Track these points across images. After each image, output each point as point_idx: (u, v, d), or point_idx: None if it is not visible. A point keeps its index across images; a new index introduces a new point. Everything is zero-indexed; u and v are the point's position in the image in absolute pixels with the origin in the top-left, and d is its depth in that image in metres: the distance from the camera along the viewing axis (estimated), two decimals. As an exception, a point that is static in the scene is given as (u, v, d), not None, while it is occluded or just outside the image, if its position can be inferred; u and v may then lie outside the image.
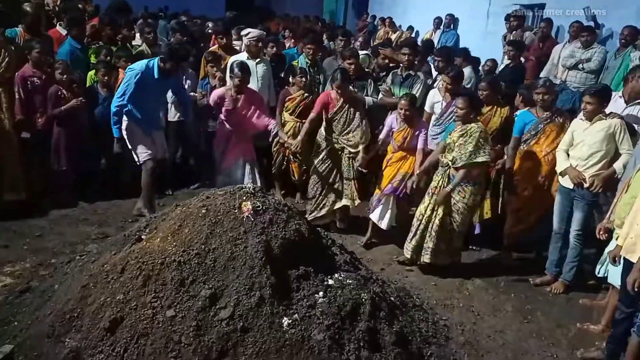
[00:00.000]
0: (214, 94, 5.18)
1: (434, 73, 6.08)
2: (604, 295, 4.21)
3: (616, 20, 6.83)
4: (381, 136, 5.16)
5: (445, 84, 5.06)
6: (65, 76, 5.24)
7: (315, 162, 5.24)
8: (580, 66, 6.57)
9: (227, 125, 5.16)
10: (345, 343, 3.02)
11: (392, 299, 3.66)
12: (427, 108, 5.36)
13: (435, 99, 5.28)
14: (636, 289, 3.12)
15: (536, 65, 7.35)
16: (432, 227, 4.48)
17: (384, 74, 5.82)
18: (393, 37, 11.12)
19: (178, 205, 3.57)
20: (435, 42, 9.64)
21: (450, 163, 4.40)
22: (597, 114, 4.10)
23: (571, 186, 4.24)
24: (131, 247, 3.40)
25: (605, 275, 3.90)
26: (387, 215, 4.99)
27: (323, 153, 5.20)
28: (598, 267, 3.99)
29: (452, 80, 5.01)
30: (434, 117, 5.27)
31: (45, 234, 4.70)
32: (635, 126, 4.19)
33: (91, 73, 5.73)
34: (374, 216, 5.06)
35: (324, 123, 5.19)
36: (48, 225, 4.88)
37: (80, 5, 8.13)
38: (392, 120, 5.03)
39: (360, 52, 6.56)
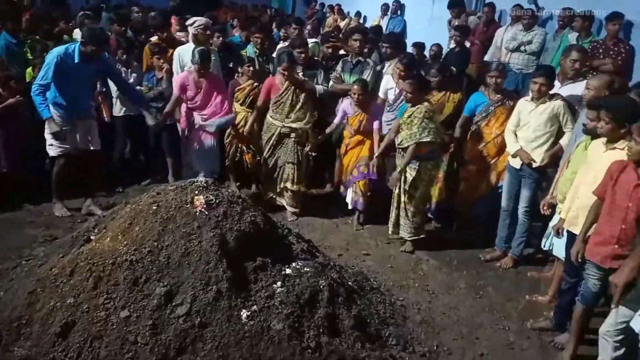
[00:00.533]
0: (177, 80, 5.18)
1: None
2: (551, 267, 4.41)
3: (554, 3, 7.06)
4: (335, 121, 5.24)
5: (399, 71, 5.12)
6: (0, 73, 4.98)
7: (264, 146, 5.31)
8: (522, 48, 6.78)
9: (191, 111, 5.19)
10: (305, 330, 3.05)
11: (349, 283, 3.71)
12: (380, 94, 5.43)
13: (389, 85, 5.37)
14: (579, 260, 3.28)
15: (481, 49, 7.53)
16: (403, 206, 4.69)
17: (333, 62, 5.82)
18: (342, 24, 11.14)
19: (128, 203, 3.49)
20: (383, 28, 9.72)
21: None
22: (546, 94, 4.25)
23: (519, 166, 4.39)
24: (80, 249, 3.31)
25: (551, 248, 4.08)
26: (359, 200, 5.21)
27: (272, 138, 5.24)
28: (543, 240, 4.18)
29: (405, 67, 5.08)
30: (387, 104, 5.34)
31: (-12, 240, 4.49)
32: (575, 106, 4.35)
33: (29, 70, 5.48)
34: (348, 199, 5.29)
35: (270, 109, 5.23)
36: (-10, 230, 4.67)
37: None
38: (346, 105, 5.13)
39: (310, 41, 6.55)
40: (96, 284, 3.00)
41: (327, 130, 5.33)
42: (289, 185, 5.29)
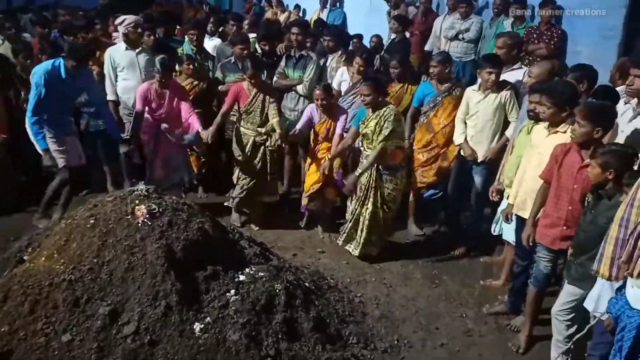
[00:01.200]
0: (139, 93, 4.79)
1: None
2: (501, 252, 4.49)
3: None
4: (298, 126, 4.90)
5: (358, 66, 5.08)
6: None
7: (240, 158, 4.96)
8: (460, 36, 6.88)
9: (156, 122, 4.85)
10: (263, 338, 2.95)
11: (306, 284, 3.63)
12: (334, 85, 5.36)
13: (343, 78, 5.34)
14: (530, 244, 3.33)
15: (421, 39, 7.60)
16: (362, 221, 4.44)
17: (274, 59, 5.68)
18: (282, 18, 10.98)
19: (63, 218, 3.25)
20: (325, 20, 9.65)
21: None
22: (497, 81, 4.27)
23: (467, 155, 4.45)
24: (13, 271, 3.07)
25: (500, 233, 4.15)
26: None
27: (247, 149, 4.91)
28: (493, 226, 4.24)
29: (365, 62, 5.09)
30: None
31: None
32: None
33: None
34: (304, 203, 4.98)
35: (242, 118, 4.93)
36: None
37: None
38: (312, 110, 4.83)
39: (250, 36, 6.37)
40: (33, 308, 2.80)
41: (290, 135, 4.89)
42: (266, 198, 5.06)
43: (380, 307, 3.86)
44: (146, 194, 3.21)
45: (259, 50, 5.97)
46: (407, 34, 7.33)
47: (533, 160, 3.45)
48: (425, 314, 3.83)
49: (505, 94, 4.28)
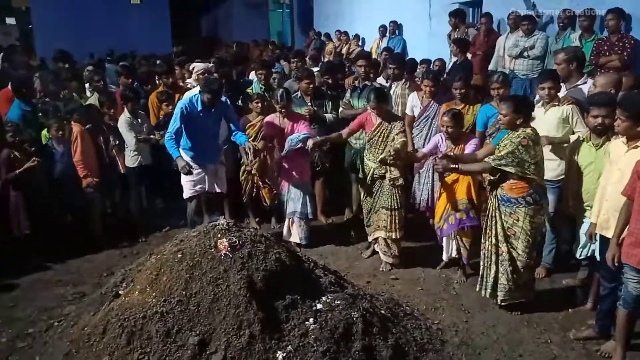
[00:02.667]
0: (266, 123, 5.26)
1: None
2: (584, 273, 4.29)
3: (553, 5, 7.06)
4: (424, 150, 4.74)
5: (429, 88, 5.25)
6: (16, 138, 5.10)
7: (364, 189, 4.96)
8: (525, 54, 6.77)
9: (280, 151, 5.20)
10: (344, 366, 2.98)
11: (382, 312, 3.64)
12: (407, 111, 5.55)
13: (414, 103, 5.49)
14: (616, 264, 3.19)
15: (484, 59, 7.53)
16: (485, 257, 4.04)
17: (339, 90, 5.86)
18: (344, 50, 11.26)
19: (152, 254, 3.49)
20: (382, 48, 9.80)
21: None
22: (555, 96, 4.21)
23: None
24: (110, 305, 3.31)
25: (588, 255, 3.95)
26: (452, 245, 4.60)
27: (366, 180, 4.87)
28: (579, 250, 4.02)
29: (433, 82, 5.28)
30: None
31: (18, 303, 4.49)
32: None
33: (44, 132, 5.60)
34: (445, 252, 4.65)
35: (367, 148, 4.90)
36: (20, 294, 4.68)
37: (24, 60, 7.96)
38: (438, 139, 4.64)
39: (313, 70, 6.61)
40: (129, 340, 2.99)
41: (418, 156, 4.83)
42: (382, 233, 4.81)
43: (459, 334, 3.79)
44: (227, 227, 3.40)
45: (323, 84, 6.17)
46: (469, 55, 7.30)
47: (613, 177, 3.34)
48: (507, 341, 3.72)
49: (567, 108, 4.17)
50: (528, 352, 3.59)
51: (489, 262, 4.01)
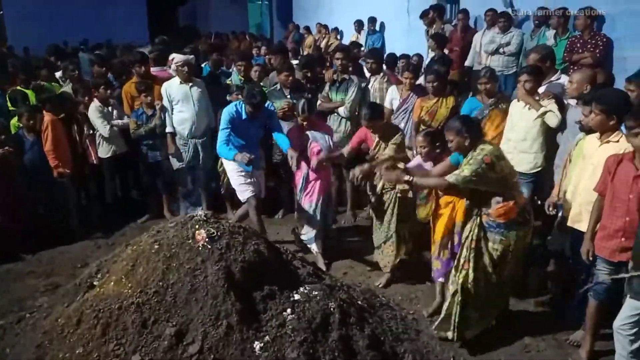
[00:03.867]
0: (290, 134, 4.87)
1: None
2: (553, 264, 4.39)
3: (529, 3, 7.17)
4: (410, 164, 4.20)
5: (409, 80, 5.33)
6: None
7: (374, 209, 4.58)
8: (501, 50, 6.89)
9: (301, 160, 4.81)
10: (320, 356, 3.00)
11: (359, 302, 3.68)
12: (386, 104, 5.53)
13: (393, 96, 5.52)
14: (590, 258, 3.28)
15: (460, 55, 7.63)
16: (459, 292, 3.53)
17: (317, 84, 5.86)
18: (322, 44, 11.25)
19: (129, 245, 3.45)
20: (362, 44, 9.83)
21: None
22: (536, 90, 4.29)
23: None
24: (84, 296, 3.27)
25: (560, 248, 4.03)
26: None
27: (378, 189, 4.48)
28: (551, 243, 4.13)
29: (413, 74, 5.40)
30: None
31: (-12, 295, 4.41)
32: (565, 101, 4.38)
33: (14, 120, 5.47)
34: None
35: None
36: (-10, 285, 4.59)
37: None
38: (418, 163, 4.23)
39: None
40: (104, 331, 2.96)
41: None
42: (389, 246, 4.46)
43: (433, 324, 3.85)
44: (204, 218, 3.38)
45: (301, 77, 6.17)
46: (447, 51, 7.38)
47: (586, 172, 3.42)
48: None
49: (547, 102, 4.26)
50: (500, 340, 3.67)
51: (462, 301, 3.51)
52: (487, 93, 4.80)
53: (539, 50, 4.88)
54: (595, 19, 5.79)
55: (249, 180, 4.83)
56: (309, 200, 4.81)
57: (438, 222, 3.82)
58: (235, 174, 4.84)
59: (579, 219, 3.46)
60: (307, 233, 4.89)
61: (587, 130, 3.54)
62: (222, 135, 4.75)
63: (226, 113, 4.80)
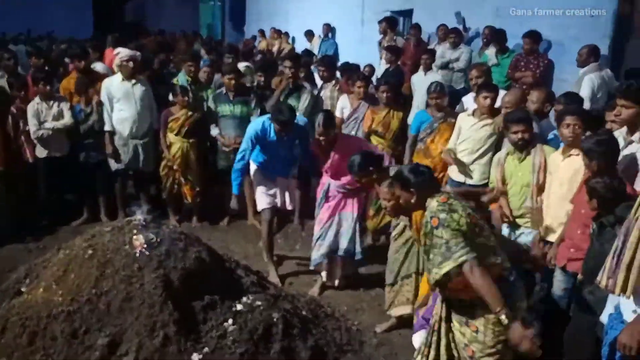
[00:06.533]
0: (313, 146, 4.37)
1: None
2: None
3: (479, 21, 7.43)
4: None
5: (361, 88, 5.31)
6: None
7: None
8: (450, 65, 7.06)
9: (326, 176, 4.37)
10: (261, 368, 2.93)
11: (303, 313, 3.63)
12: (337, 113, 5.47)
13: (344, 104, 5.50)
14: (554, 265, 3.38)
15: (412, 69, 7.75)
16: None
17: (268, 91, 5.78)
18: (274, 48, 11.21)
19: (60, 249, 3.26)
20: (316, 51, 9.86)
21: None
22: (492, 109, 4.37)
23: (462, 179, 4.50)
24: (10, 303, 3.07)
25: None
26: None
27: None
28: None
29: (364, 83, 5.36)
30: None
31: None
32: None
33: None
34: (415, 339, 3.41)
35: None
36: None
37: None
38: None
39: (241, 65, 6.50)
40: (31, 340, 2.80)
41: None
42: (408, 309, 3.73)
43: (377, 335, 3.85)
44: (143, 224, 3.24)
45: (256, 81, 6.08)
46: (399, 63, 7.49)
47: (553, 186, 3.51)
48: (422, 341, 3.83)
49: (499, 118, 4.37)
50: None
51: None
52: (436, 107, 4.88)
53: (478, 68, 5.10)
54: (537, 45, 6.06)
55: (268, 191, 4.59)
56: (323, 218, 4.31)
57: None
58: (256, 180, 4.64)
59: (552, 232, 3.52)
60: (315, 251, 4.34)
61: (518, 147, 3.65)
62: (240, 155, 4.45)
63: (251, 130, 4.40)
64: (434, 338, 2.72)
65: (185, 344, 2.82)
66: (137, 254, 3.03)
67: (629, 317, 2.34)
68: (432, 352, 2.72)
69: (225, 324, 2.99)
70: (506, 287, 2.47)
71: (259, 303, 3.22)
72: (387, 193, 3.12)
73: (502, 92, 4.69)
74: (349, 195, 4.24)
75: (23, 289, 3.16)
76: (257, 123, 4.50)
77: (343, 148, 4.16)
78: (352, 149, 3.97)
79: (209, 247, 3.52)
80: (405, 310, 3.75)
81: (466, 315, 2.57)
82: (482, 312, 2.50)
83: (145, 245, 3.06)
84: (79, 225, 5.50)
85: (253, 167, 4.67)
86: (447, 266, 2.42)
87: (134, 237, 3.11)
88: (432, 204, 2.57)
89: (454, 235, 2.43)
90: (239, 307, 3.14)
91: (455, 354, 2.66)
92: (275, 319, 3.16)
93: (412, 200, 2.68)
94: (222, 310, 3.06)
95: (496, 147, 4.39)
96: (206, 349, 2.85)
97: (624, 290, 2.24)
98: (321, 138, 4.13)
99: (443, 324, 2.68)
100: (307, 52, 8.33)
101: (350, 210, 4.25)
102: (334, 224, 4.25)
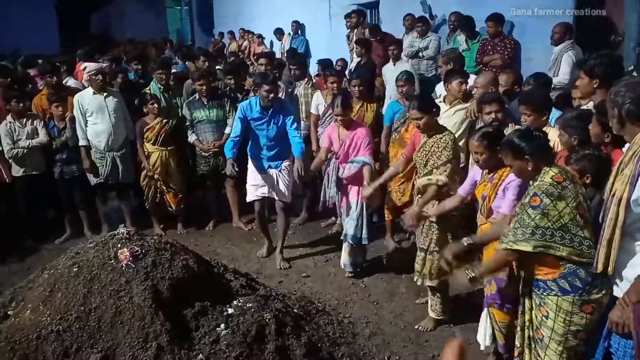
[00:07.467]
0: (325, 133, 4.67)
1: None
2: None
3: (444, 8, 7.49)
4: (465, 186, 3.42)
5: (334, 84, 5.32)
6: None
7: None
8: (420, 54, 7.12)
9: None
10: (257, 369, 2.95)
11: (295, 310, 3.66)
12: (312, 111, 5.52)
13: (319, 101, 5.52)
14: None
15: (382, 62, 7.79)
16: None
17: (244, 94, 5.77)
18: (246, 49, 11.17)
19: (45, 269, 3.23)
20: (286, 49, 9.84)
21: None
22: (465, 94, 4.44)
23: None
24: (-3, 328, 3.00)
25: None
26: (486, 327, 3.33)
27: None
28: None
29: (339, 78, 5.40)
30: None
31: None
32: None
33: None
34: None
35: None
36: None
37: None
38: (476, 172, 3.32)
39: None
40: (22, 364, 2.74)
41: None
42: (427, 282, 3.77)
43: (369, 326, 3.90)
44: (127, 236, 3.22)
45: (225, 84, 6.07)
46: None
47: None
48: (413, 328, 3.88)
49: (473, 103, 4.44)
50: (433, 337, 3.78)
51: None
52: (405, 96, 4.93)
53: (449, 55, 5.19)
54: (503, 24, 6.14)
55: (257, 183, 4.79)
56: (344, 202, 4.59)
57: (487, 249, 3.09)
58: (249, 171, 4.83)
59: None
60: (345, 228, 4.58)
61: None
62: (233, 133, 4.71)
63: (238, 110, 4.73)
64: (521, 319, 2.74)
65: (179, 352, 2.82)
66: (124, 268, 3.01)
67: (618, 294, 2.36)
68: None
69: (218, 328, 3.00)
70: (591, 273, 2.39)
71: (249, 305, 3.24)
72: (479, 147, 3.03)
73: (472, 77, 4.77)
74: (354, 183, 4.46)
75: (10, 313, 3.11)
76: (243, 103, 4.81)
77: (355, 133, 4.42)
78: (359, 136, 4.38)
79: (195, 253, 3.52)
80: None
81: (539, 298, 2.56)
82: (554, 298, 2.48)
83: (130, 258, 3.05)
84: (63, 243, 5.45)
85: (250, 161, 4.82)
86: (522, 247, 2.41)
87: (119, 250, 3.09)
88: (545, 179, 2.44)
89: (547, 226, 2.37)
90: (230, 310, 3.15)
91: (530, 334, 2.67)
92: (267, 320, 3.17)
93: (529, 169, 2.52)
94: (214, 316, 3.06)
95: (469, 132, 4.47)
96: (200, 356, 2.85)
97: (606, 266, 2.30)
98: (339, 119, 4.39)
99: (527, 301, 2.67)
100: (293, 51, 8.33)
101: (355, 197, 4.45)
102: (350, 209, 4.50)
